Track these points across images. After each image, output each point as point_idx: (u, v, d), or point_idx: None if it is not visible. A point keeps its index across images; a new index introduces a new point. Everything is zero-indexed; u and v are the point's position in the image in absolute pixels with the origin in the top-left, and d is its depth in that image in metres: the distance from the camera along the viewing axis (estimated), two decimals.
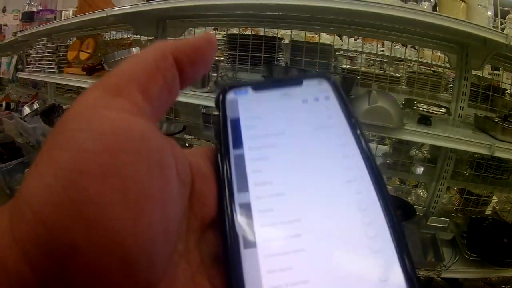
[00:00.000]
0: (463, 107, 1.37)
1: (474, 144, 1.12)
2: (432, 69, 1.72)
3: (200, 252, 0.20)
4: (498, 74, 1.67)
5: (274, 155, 0.23)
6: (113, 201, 0.15)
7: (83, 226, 0.14)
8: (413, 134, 1.14)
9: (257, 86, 0.26)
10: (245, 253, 0.20)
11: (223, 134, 0.24)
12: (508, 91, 1.57)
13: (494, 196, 1.67)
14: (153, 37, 1.85)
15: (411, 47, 2.06)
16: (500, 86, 1.56)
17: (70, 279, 0.15)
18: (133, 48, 1.78)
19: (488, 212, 1.63)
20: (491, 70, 1.81)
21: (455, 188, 1.66)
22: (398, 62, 2.13)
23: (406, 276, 0.19)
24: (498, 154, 1.13)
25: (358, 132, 0.24)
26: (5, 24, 3.26)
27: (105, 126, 0.16)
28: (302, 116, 0.25)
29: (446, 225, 1.38)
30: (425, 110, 1.23)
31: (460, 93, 1.35)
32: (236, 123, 0.24)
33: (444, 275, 1.25)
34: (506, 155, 1.13)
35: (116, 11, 1.65)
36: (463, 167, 1.53)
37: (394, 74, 1.81)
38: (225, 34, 1.85)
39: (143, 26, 1.80)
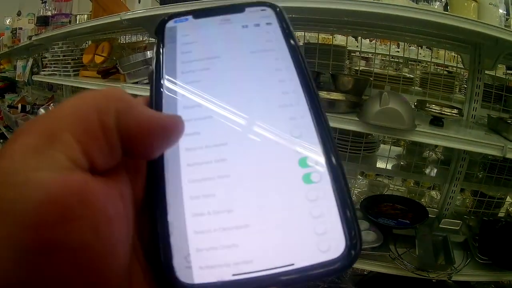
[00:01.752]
0: (476, 108, 1.37)
1: (486, 145, 1.12)
2: (445, 69, 1.71)
3: (142, 242, 0.21)
4: None
5: (206, 79, 0.23)
6: (65, 275, 0.15)
7: None
8: (425, 135, 1.15)
9: (198, 14, 0.26)
10: (168, 177, 0.20)
11: (156, 62, 0.24)
12: None
13: (508, 198, 1.63)
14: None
15: (426, 48, 2.05)
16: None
17: None
18: (148, 52, 1.79)
19: (501, 215, 1.60)
20: (505, 70, 1.78)
21: (469, 190, 1.63)
22: (413, 63, 2.12)
23: (341, 210, 0.19)
24: (510, 155, 1.12)
25: (298, 57, 0.23)
26: (20, 28, 3.37)
27: (40, 194, 0.15)
28: (239, 40, 0.25)
29: (458, 228, 1.39)
30: (437, 111, 1.23)
31: (473, 94, 1.36)
32: (171, 50, 0.24)
33: (455, 278, 1.25)
34: None
35: (130, 15, 1.70)
36: (476, 169, 1.51)
37: (408, 75, 1.80)
38: None
39: None
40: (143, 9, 1.70)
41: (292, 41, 0.24)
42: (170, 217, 0.20)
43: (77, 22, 2.32)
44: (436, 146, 1.71)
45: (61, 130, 0.17)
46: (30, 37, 2.81)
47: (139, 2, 1.93)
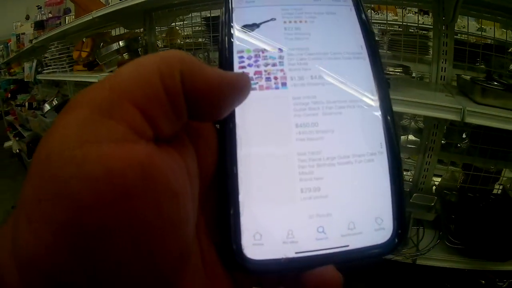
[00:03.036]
0: (445, 68, 1.20)
1: (441, 108, 0.98)
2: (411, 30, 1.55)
3: (205, 216, 0.21)
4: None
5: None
6: (123, 258, 0.14)
7: (95, 283, 0.14)
8: None
9: None
10: (241, 154, 0.22)
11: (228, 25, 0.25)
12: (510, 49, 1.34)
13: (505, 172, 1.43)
14: (142, 29, 1.97)
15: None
16: (492, 43, 1.34)
17: None
18: (120, 42, 1.86)
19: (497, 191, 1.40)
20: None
21: (459, 163, 1.45)
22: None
23: (394, 198, 0.22)
24: (470, 119, 0.97)
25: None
26: (23, 33, 3.60)
27: (98, 169, 0.14)
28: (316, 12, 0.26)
29: (432, 204, 1.21)
30: None
31: (440, 52, 1.19)
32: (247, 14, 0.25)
33: (421, 261, 1.11)
34: (479, 121, 0.97)
35: (101, 11, 1.77)
36: (455, 138, 1.34)
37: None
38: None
39: (131, 21, 1.92)
40: (113, 4, 1.75)
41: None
42: (242, 196, 0.21)
43: (66, 23, 2.48)
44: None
45: (120, 98, 0.16)
46: (31, 41, 3.02)
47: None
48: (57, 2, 2.58)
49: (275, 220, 0.21)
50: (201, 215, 0.20)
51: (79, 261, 0.14)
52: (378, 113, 0.23)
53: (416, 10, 1.64)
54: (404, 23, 1.64)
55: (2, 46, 4.42)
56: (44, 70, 2.77)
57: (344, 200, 0.22)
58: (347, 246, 0.21)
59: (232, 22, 0.24)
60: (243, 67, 0.23)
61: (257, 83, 0.23)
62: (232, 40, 0.23)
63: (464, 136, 1.43)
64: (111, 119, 0.15)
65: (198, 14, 1.82)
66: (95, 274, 0.14)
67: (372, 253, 0.21)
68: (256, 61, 0.23)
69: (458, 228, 1.18)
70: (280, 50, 0.24)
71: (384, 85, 0.24)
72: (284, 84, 0.23)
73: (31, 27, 3.06)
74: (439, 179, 1.49)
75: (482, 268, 1.18)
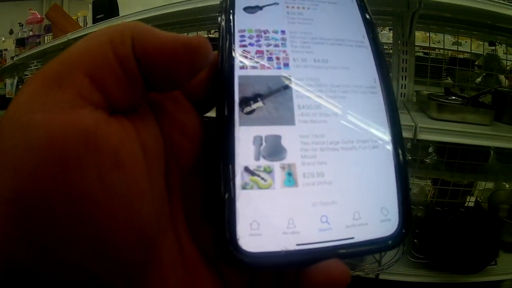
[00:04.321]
0: (405, 85, 1.23)
1: None
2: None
3: (185, 208, 0.20)
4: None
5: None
6: (69, 233, 0.14)
7: (42, 260, 0.14)
8: None
9: None
10: (234, 137, 0.20)
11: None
12: (477, 62, 1.37)
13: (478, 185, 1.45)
14: None
15: None
16: (458, 57, 1.37)
17: None
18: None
19: (471, 204, 1.43)
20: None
21: (428, 178, 1.48)
22: None
23: (399, 191, 0.21)
24: (423, 136, 0.99)
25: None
26: (6, 50, 3.67)
27: (41, 136, 0.14)
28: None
29: None
30: None
31: (399, 69, 1.22)
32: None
33: (385, 277, 1.12)
34: (433, 137, 0.99)
35: (76, 33, 1.84)
36: (418, 153, 1.36)
37: None
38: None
39: None
40: (88, 27, 1.89)
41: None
42: (238, 179, 0.19)
43: (46, 42, 2.54)
44: None
45: (70, 69, 0.15)
46: (12, 58, 3.09)
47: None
48: (37, 20, 2.64)
49: (274, 207, 0.20)
50: (180, 207, 0.20)
51: (23, 236, 0.14)
52: (382, 100, 0.23)
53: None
54: None
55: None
56: None
57: (349, 188, 0.21)
58: (352, 238, 0.20)
59: (233, 3, 0.24)
60: (244, 45, 0.23)
61: (258, 62, 0.22)
62: (232, 19, 0.23)
63: (430, 151, 1.46)
64: (59, 88, 0.15)
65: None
66: (40, 252, 0.14)
67: (377, 247, 0.20)
68: (257, 40, 0.23)
69: (422, 242, 1.19)
70: (283, 32, 0.24)
71: (386, 73, 0.24)
72: (286, 65, 0.22)
73: (13, 43, 3.10)
74: None
75: (448, 281, 1.20)
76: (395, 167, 0.22)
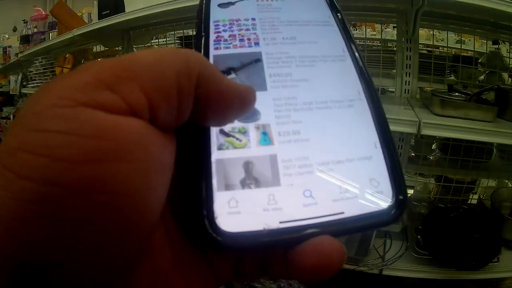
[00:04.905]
0: (409, 82, 1.24)
1: (397, 122, 1.01)
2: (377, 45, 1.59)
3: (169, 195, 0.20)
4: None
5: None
6: (94, 222, 0.14)
7: (60, 246, 0.14)
8: None
9: None
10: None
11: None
12: (480, 60, 1.38)
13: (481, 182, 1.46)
14: (120, 47, 2.03)
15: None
16: (461, 54, 1.39)
17: None
18: (99, 59, 1.92)
19: (474, 201, 1.44)
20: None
21: (430, 175, 1.49)
22: None
23: (390, 164, 0.20)
24: (427, 131, 1.00)
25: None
26: (10, 46, 3.70)
27: (89, 128, 0.14)
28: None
29: None
30: None
31: (403, 66, 1.23)
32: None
33: (388, 272, 1.13)
34: (436, 132, 1.00)
35: (81, 29, 1.86)
36: (422, 150, 1.38)
37: None
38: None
39: (110, 39, 1.98)
40: (91, 23, 1.90)
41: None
42: (214, 156, 0.19)
43: (50, 38, 2.57)
44: None
45: (129, 77, 0.15)
46: (17, 55, 3.12)
47: None
48: (42, 17, 2.65)
49: (253, 183, 0.19)
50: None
51: (48, 219, 0.13)
52: (351, 65, 0.23)
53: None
54: (364, 38, 1.70)
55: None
56: (29, 84, 2.86)
57: (330, 157, 0.20)
58: (342, 213, 0.19)
59: (209, 2, 0.26)
60: (218, 32, 0.24)
61: (231, 43, 0.24)
62: (208, 12, 0.25)
63: (434, 147, 1.47)
64: (112, 92, 0.15)
65: (173, 33, 1.91)
66: (63, 239, 0.14)
67: (371, 223, 0.19)
68: (230, 27, 0.25)
69: (425, 238, 1.21)
70: (253, 19, 0.25)
71: (354, 46, 0.24)
72: (257, 44, 0.24)
73: (18, 40, 3.12)
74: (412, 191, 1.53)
75: (451, 278, 1.20)
76: (377, 130, 0.21)
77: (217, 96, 0.18)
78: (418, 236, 1.23)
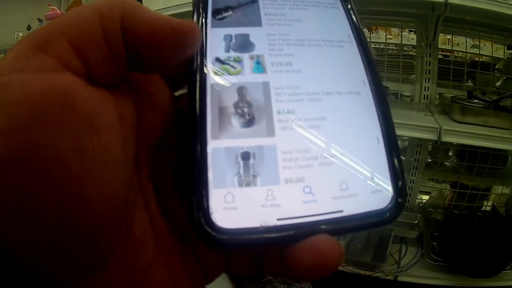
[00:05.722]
0: (428, 87, 1.24)
1: (418, 128, 1.01)
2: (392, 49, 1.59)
3: (155, 184, 0.20)
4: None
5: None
6: (34, 190, 0.14)
7: (5, 224, 0.14)
8: None
9: None
10: (210, 103, 0.20)
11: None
12: (497, 66, 1.37)
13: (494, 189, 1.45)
14: None
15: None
16: (479, 60, 1.38)
17: None
18: None
19: (488, 208, 1.43)
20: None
21: (447, 181, 1.48)
22: None
23: (391, 163, 0.20)
24: (447, 138, 1.00)
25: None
26: None
27: (17, 94, 0.14)
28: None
29: (416, 222, 1.25)
30: None
31: (423, 72, 1.23)
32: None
33: (402, 278, 1.13)
34: (456, 139, 1.00)
35: None
36: (439, 156, 1.37)
37: None
38: None
39: None
40: None
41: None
42: (210, 148, 0.19)
43: None
44: None
45: (56, 35, 0.16)
46: None
47: None
48: (57, 16, 2.66)
49: (252, 179, 0.18)
50: (148, 182, 0.19)
51: None
52: (356, 51, 0.23)
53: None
54: (386, 43, 1.70)
55: (2, 55, 4.50)
56: None
57: (333, 155, 0.19)
58: (341, 211, 0.18)
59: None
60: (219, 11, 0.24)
61: (229, 21, 0.23)
62: None
63: (451, 154, 1.47)
64: (43, 52, 0.15)
65: None
66: (6, 210, 0.13)
67: (370, 222, 0.19)
68: (231, 9, 0.24)
69: (440, 245, 1.21)
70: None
71: (360, 30, 0.24)
72: (258, 23, 0.23)
73: None
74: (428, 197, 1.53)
75: (466, 285, 1.20)
76: (384, 138, 0.20)
77: (147, 29, 0.17)
78: (434, 243, 1.23)
